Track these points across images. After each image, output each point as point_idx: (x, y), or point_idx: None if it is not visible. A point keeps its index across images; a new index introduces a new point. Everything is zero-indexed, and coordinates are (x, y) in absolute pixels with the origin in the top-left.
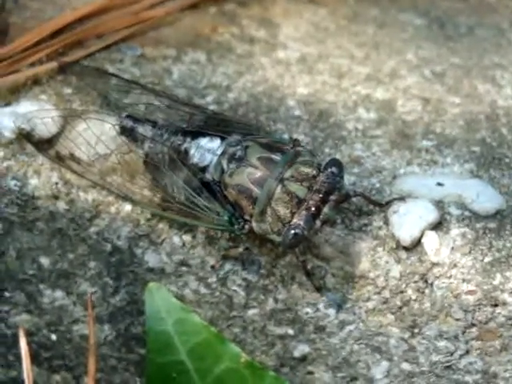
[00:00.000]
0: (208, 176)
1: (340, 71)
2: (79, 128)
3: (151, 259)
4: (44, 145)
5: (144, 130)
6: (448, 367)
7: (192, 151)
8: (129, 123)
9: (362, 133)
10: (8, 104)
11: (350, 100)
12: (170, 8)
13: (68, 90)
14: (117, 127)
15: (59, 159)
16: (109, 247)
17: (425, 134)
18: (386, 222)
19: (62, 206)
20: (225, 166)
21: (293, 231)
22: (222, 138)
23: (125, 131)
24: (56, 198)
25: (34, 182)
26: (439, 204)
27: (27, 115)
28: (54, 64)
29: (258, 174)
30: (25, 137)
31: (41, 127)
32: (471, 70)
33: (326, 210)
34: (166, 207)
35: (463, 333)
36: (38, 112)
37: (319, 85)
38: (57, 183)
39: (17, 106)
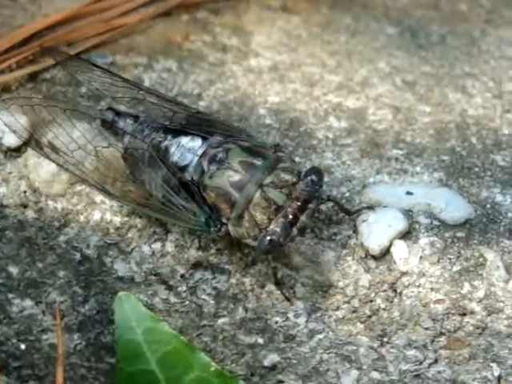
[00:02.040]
0: (187, 176)
1: (312, 80)
2: (59, 119)
3: (121, 268)
4: (13, 153)
5: (125, 124)
6: (417, 376)
7: (172, 149)
8: (110, 116)
9: (332, 141)
10: None
11: (321, 109)
12: (141, 15)
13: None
14: (97, 120)
15: (38, 147)
16: (78, 256)
17: (395, 143)
18: (355, 231)
19: (30, 214)
20: (205, 168)
21: (269, 237)
22: (204, 138)
23: (105, 124)
24: (25, 206)
25: (2, 190)
26: (408, 213)
27: None
28: (23, 71)
29: (238, 177)
30: None
31: (9, 135)
32: (442, 78)
33: (303, 218)
34: (143, 203)
35: (432, 342)
36: (6, 119)
37: (290, 93)
38: (25, 192)
39: None
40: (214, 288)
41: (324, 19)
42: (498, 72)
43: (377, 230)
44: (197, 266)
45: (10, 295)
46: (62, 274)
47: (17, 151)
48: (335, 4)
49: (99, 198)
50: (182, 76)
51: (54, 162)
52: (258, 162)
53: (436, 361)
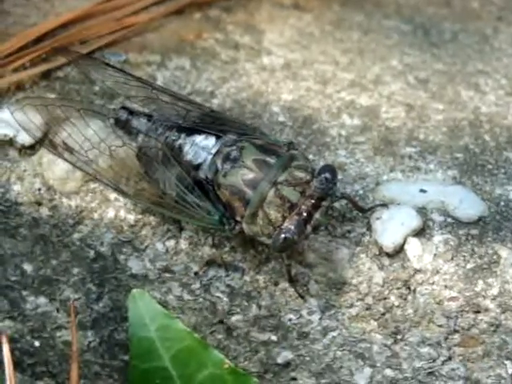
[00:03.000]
0: (201, 174)
1: (324, 77)
2: (73, 118)
3: (134, 265)
4: (27, 150)
5: (138, 123)
6: (431, 373)
7: (186, 148)
8: (123, 115)
9: (345, 139)
10: None
11: (334, 106)
12: (154, 14)
13: (52, 96)
14: (111, 119)
15: (52, 147)
16: (92, 253)
17: (408, 141)
18: (369, 229)
19: (45, 212)
20: (219, 166)
21: (283, 235)
22: (218, 137)
23: (119, 123)
24: (39, 204)
25: (16, 188)
26: (422, 210)
27: (10, 121)
28: (37, 69)
29: (252, 176)
30: (8, 143)
31: (24, 133)
32: (455, 76)
33: (317, 215)
34: (157, 202)
35: (446, 339)
36: (20, 118)
37: (303, 91)
38: (39, 189)
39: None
40: (228, 285)
41: (336, 17)
42: (511, 69)
43: (391, 227)
44: (210, 263)
45: (25, 292)
46: (75, 271)
47: (31, 149)
48: (347, 2)
49: (113, 195)
50: (195, 74)
51: (67, 161)
52: (272, 160)
53: (450, 358)
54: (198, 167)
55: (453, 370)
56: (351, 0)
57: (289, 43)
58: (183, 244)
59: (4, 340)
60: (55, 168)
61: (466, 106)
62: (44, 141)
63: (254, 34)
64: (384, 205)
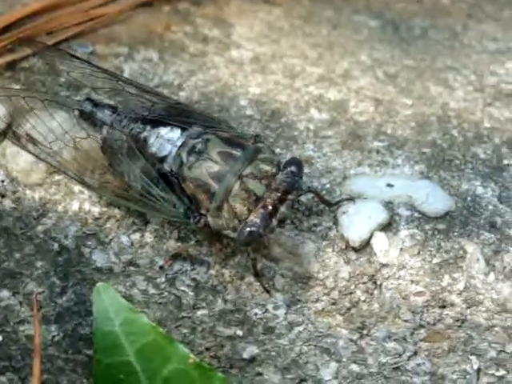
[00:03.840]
0: (166, 167)
1: (293, 71)
2: (37, 109)
3: (99, 259)
4: None
5: (103, 114)
6: (396, 368)
7: (151, 140)
8: (88, 107)
9: (313, 133)
10: None
11: (303, 100)
12: (122, 5)
13: (16, 87)
14: (76, 111)
15: (15, 138)
16: (56, 246)
17: (376, 135)
18: (336, 223)
19: (8, 204)
20: (184, 159)
21: (249, 228)
22: (183, 129)
23: (84, 115)
24: (2, 196)
25: None
26: (389, 205)
27: None
28: (2, 60)
29: (217, 168)
30: None
31: None
32: (424, 72)
33: (283, 209)
34: (122, 195)
35: (411, 334)
36: None
37: (272, 85)
38: (3, 181)
39: None
40: (193, 279)
41: (305, 11)
42: (480, 66)
43: (357, 221)
44: (176, 257)
45: None
46: (39, 264)
47: None
48: None
49: (77, 187)
50: (163, 66)
51: (31, 152)
52: (238, 153)
53: (415, 353)
54: (162, 160)
55: (418, 365)
56: None
57: (258, 37)
58: (148, 237)
59: None
60: (19, 159)
61: (434, 101)
62: (7, 132)
63: (223, 28)
64: (351, 199)
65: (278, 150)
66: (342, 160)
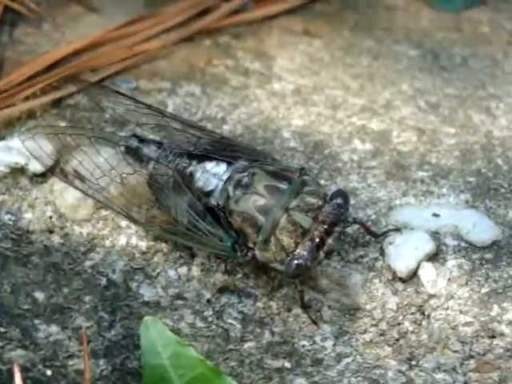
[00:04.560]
0: (213, 201)
1: (335, 102)
2: (84, 146)
3: (146, 293)
4: (38, 178)
5: (149, 150)
6: None
7: (197, 175)
8: (134, 143)
9: (357, 164)
10: (2, 138)
11: (345, 131)
12: (164, 41)
13: (62, 124)
14: (122, 147)
15: (63, 175)
16: (104, 281)
17: (420, 165)
18: (382, 254)
19: (56, 240)
20: (230, 193)
21: (296, 261)
22: (229, 163)
23: (130, 151)
24: (51, 232)
25: (28, 216)
26: (435, 235)
27: (21, 149)
28: (48, 98)
29: (264, 202)
30: (19, 171)
31: (35, 161)
32: (466, 100)
33: (330, 241)
34: (169, 229)
35: (461, 365)
36: (31, 147)
37: (314, 116)
38: (51, 217)
39: (11, 140)
40: (241, 312)
41: (346, 42)
42: None
43: (404, 252)
44: (223, 290)
45: (36, 321)
46: (87, 299)
47: (42, 177)
48: (356, 27)
49: (125, 222)
50: (206, 100)
51: (78, 189)
52: (284, 186)
53: None
54: (209, 194)
55: None
56: (361, 25)
57: (299, 69)
58: (195, 271)
59: (16, 369)
60: (66, 196)
61: (477, 129)
62: (55, 169)
63: (264, 60)
64: (397, 229)
65: (322, 182)
66: (386, 190)
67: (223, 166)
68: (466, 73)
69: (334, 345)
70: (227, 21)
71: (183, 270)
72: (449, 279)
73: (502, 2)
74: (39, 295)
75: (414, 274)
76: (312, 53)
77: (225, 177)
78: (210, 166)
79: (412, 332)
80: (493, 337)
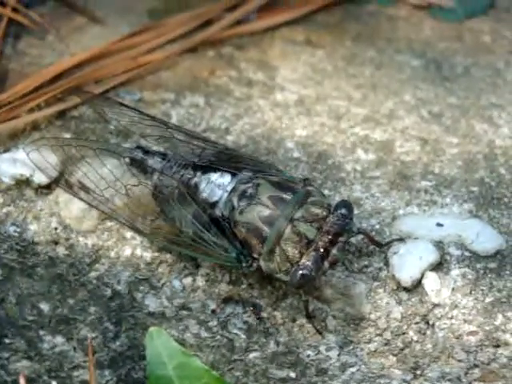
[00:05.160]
0: (217, 212)
1: (338, 113)
2: (88, 158)
3: (151, 303)
4: (43, 190)
5: (154, 162)
6: None
7: (202, 186)
8: (139, 155)
9: (360, 174)
10: (7, 150)
11: (349, 141)
12: (168, 52)
13: (67, 136)
14: (127, 159)
15: (68, 186)
16: (109, 292)
17: (423, 175)
18: (386, 263)
19: (61, 251)
20: (235, 203)
21: (301, 271)
22: (233, 174)
23: (134, 163)
24: (56, 243)
25: (33, 227)
26: (439, 244)
27: (26, 161)
28: (52, 109)
29: (269, 212)
30: (24, 183)
31: (40, 173)
32: (468, 110)
33: (334, 251)
34: (174, 240)
35: (466, 374)
36: (36, 159)
37: (317, 126)
38: (56, 228)
39: (16, 152)
40: (245, 322)
41: (348, 52)
42: None
43: (408, 261)
44: (228, 300)
45: (42, 332)
46: (92, 310)
47: (47, 188)
48: (359, 37)
49: (129, 233)
50: (210, 111)
51: (83, 200)
52: (288, 197)
53: None
54: (213, 205)
55: None
56: (363, 36)
57: (302, 79)
58: (200, 281)
59: (22, 380)
60: (71, 207)
61: (480, 139)
62: (60, 180)
63: (267, 71)
64: (401, 239)
65: (326, 192)
66: (390, 200)
67: (228, 177)
68: (468, 82)
69: (339, 354)
70: (230, 32)
71: (188, 280)
72: (453, 289)
73: (504, 12)
74: (44, 306)
75: (418, 284)
76: (315, 63)
77: (229, 188)
78: (214, 177)
79: (416, 341)
80: (497, 346)
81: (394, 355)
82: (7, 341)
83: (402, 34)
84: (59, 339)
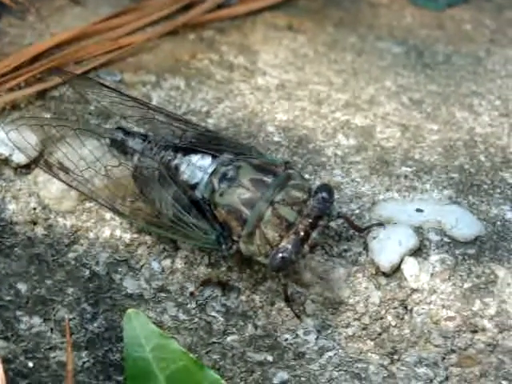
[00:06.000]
0: (198, 194)
1: (319, 98)
2: (68, 138)
3: (130, 285)
4: (22, 169)
5: (134, 143)
6: None
7: (182, 168)
8: (119, 136)
9: (341, 159)
10: None
11: (329, 126)
12: (149, 34)
13: (47, 116)
14: (107, 139)
15: (47, 166)
16: (87, 273)
17: (404, 161)
18: (366, 248)
19: (40, 231)
20: (215, 185)
21: (281, 254)
22: (214, 157)
23: (115, 143)
24: (34, 223)
25: (12, 207)
26: (418, 230)
27: (5, 141)
28: (32, 89)
29: (249, 195)
30: (3, 162)
31: (19, 152)
32: (449, 97)
33: (314, 235)
34: (153, 221)
35: (443, 359)
36: (15, 138)
37: (298, 111)
38: (35, 208)
39: None
40: (224, 305)
41: (330, 38)
42: (505, 90)
43: (387, 246)
44: (206, 283)
45: (19, 312)
46: (70, 291)
47: (26, 168)
48: (340, 23)
49: (109, 214)
50: (190, 94)
51: (62, 180)
52: (269, 180)
53: (447, 378)
54: (194, 187)
55: None
56: (344, 22)
57: (283, 64)
58: (179, 263)
59: None
60: (51, 187)
61: (460, 126)
62: (39, 160)
63: (248, 55)
64: (381, 224)
65: (306, 176)
66: (370, 185)
67: (208, 159)
68: (449, 70)
69: (317, 338)
70: (211, 15)
71: (167, 262)
72: (432, 274)
73: (484, 1)
74: (22, 286)
75: (397, 269)
76: (296, 48)
77: (210, 170)
78: (195, 159)
79: (394, 326)
80: (475, 331)
81: (372, 340)
82: None
83: (384, 21)
84: (36, 320)
